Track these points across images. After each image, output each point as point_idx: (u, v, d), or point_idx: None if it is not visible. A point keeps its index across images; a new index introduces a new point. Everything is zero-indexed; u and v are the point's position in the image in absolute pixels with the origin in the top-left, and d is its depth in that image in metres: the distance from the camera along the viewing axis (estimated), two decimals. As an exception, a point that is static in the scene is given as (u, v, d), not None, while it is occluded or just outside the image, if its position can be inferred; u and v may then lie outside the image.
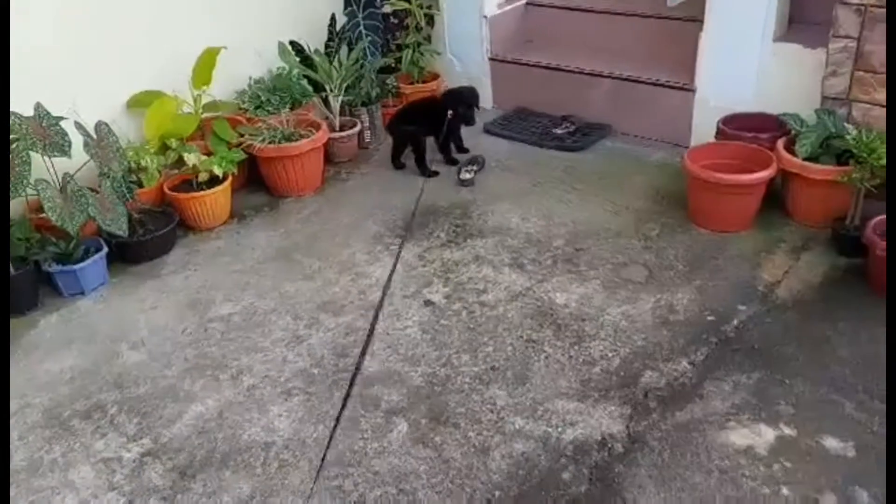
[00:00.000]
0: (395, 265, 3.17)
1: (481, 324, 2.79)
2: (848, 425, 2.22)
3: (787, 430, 2.22)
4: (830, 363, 2.46)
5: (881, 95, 3.13)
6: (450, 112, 3.93)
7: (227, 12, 4.00)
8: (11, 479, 2.24)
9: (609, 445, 2.22)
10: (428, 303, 2.94)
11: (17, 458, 2.32)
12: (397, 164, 4.07)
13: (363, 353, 2.66)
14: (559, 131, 4.22)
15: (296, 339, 2.78)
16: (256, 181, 3.92)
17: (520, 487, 2.10)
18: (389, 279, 3.08)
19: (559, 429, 2.29)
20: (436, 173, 3.93)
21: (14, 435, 2.41)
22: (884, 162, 2.82)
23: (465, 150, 4.12)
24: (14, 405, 2.54)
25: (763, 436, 2.20)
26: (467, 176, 3.84)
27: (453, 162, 4.01)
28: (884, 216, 2.78)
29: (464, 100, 3.97)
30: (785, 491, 2.03)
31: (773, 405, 2.31)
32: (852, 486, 2.02)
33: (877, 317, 2.63)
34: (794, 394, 2.35)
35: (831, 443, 2.16)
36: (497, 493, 2.09)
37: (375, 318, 2.84)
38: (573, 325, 2.75)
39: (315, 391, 2.52)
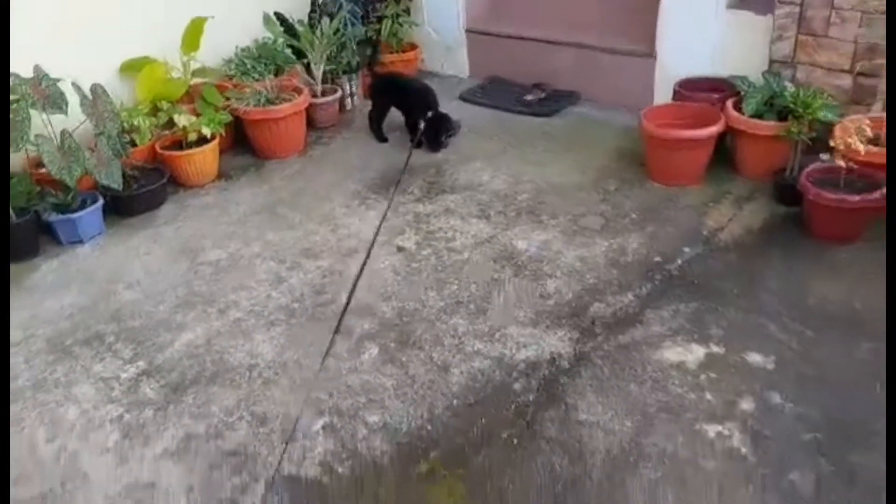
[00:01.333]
0: (384, 215, 3.40)
1: (448, 266, 3.04)
2: (771, 344, 2.48)
3: (716, 349, 2.48)
4: (761, 293, 2.72)
5: (821, 57, 3.38)
6: (430, 113, 4.01)
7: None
8: (18, 396, 2.48)
9: (557, 363, 2.48)
10: (400, 248, 3.18)
11: (23, 378, 2.57)
12: (379, 134, 4.21)
13: (353, 289, 2.90)
14: (530, 98, 4.47)
15: (278, 280, 3.03)
16: (242, 144, 4.16)
17: (476, 396, 2.36)
18: (378, 229, 3.31)
19: (513, 350, 2.55)
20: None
21: (20, 359, 2.66)
22: (819, 115, 3.08)
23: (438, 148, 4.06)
24: (18, 335, 2.78)
25: (694, 353, 2.47)
26: (440, 138, 4.07)
27: (418, 144, 4.05)
28: (817, 164, 3.04)
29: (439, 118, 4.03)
30: (708, 396, 2.29)
31: (705, 329, 2.57)
32: (768, 392, 2.29)
33: (807, 256, 2.90)
34: (726, 319, 2.61)
35: (754, 358, 2.43)
36: (455, 401, 2.35)
37: (367, 257, 3.09)
38: (532, 266, 3.00)
39: (295, 322, 2.77)
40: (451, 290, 2.88)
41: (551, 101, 4.42)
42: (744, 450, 2.10)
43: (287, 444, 2.22)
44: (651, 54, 4.09)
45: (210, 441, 2.26)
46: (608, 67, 4.30)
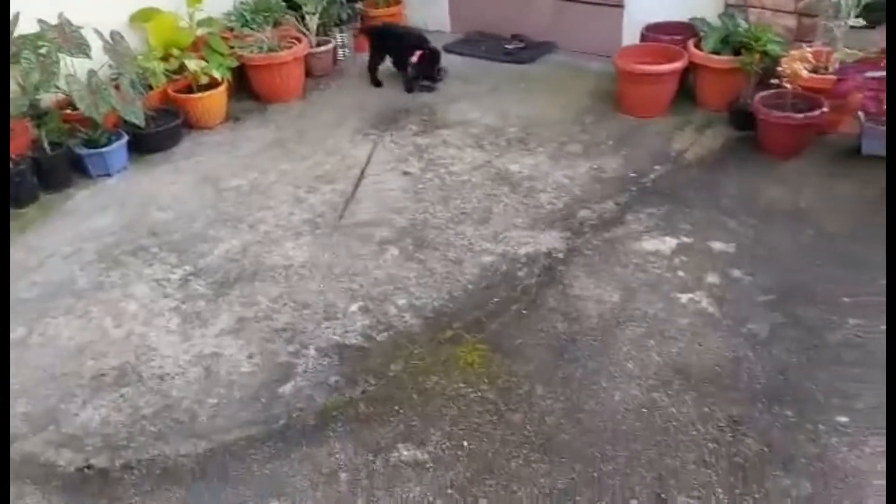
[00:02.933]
0: (372, 150, 3.77)
1: (451, 186, 3.43)
2: (730, 234, 2.94)
3: (686, 239, 2.93)
4: (720, 197, 3.18)
5: (769, 0, 3.84)
6: (417, 53, 4.36)
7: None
8: (81, 296, 2.80)
9: (553, 255, 2.89)
10: (406, 173, 3.56)
11: (82, 282, 2.89)
12: (374, 78, 4.54)
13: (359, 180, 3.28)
14: (510, 47, 4.85)
15: (297, 201, 3.37)
16: (245, 91, 4.45)
17: (487, 282, 2.77)
18: (369, 159, 3.68)
19: (515, 247, 2.96)
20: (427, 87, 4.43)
21: (74, 267, 2.97)
22: (769, 48, 3.54)
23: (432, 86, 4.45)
24: (67, 250, 3.09)
25: (667, 243, 2.92)
26: (426, 83, 4.42)
27: (410, 89, 4.42)
28: (769, 91, 3.50)
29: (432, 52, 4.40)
30: (681, 273, 2.74)
31: (676, 225, 3.02)
32: (730, 269, 2.75)
33: (759, 168, 3.37)
34: (693, 218, 3.07)
35: (717, 245, 2.89)
36: (470, 286, 2.75)
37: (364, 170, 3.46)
38: (525, 183, 3.41)
39: (320, 233, 3.13)
40: (455, 205, 3.27)
41: (530, 50, 4.81)
42: (711, 309, 2.56)
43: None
44: (619, 3, 4.50)
45: (261, 322, 2.63)
46: (581, 18, 4.70)
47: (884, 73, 3.01)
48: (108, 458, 2.14)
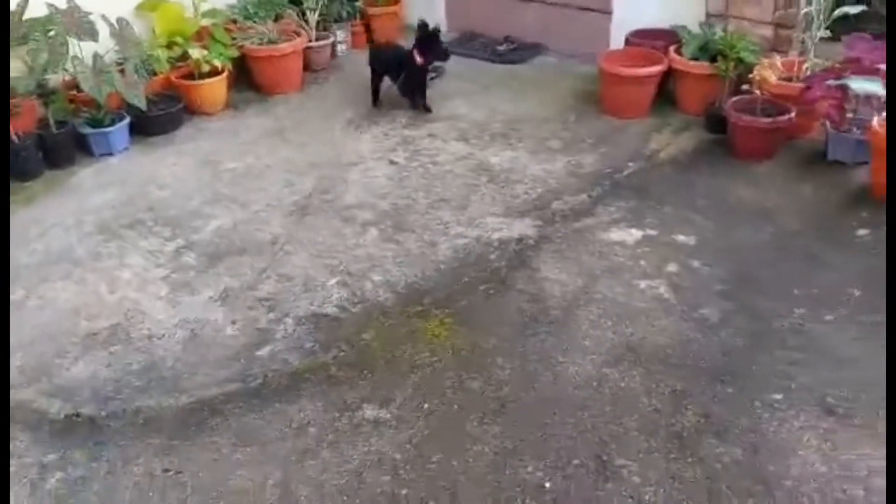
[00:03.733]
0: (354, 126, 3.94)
1: (434, 175, 3.60)
2: (695, 229, 3.11)
3: (651, 232, 3.10)
4: (689, 195, 3.35)
5: (748, 11, 4.01)
6: (418, 57, 4.13)
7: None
8: (78, 264, 2.98)
9: (524, 241, 3.06)
10: (392, 162, 3.73)
11: (80, 250, 3.07)
12: (374, 98, 4.34)
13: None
14: (501, 49, 5.03)
15: (289, 184, 3.56)
16: (246, 82, 4.63)
17: (459, 262, 2.94)
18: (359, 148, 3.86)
19: (489, 232, 3.13)
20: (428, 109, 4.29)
21: (73, 239, 3.15)
22: (743, 55, 3.70)
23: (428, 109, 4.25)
24: (70, 221, 3.28)
25: (633, 234, 3.08)
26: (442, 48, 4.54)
27: (415, 105, 4.26)
28: (741, 96, 3.66)
29: (429, 40, 4.11)
30: (642, 262, 2.91)
31: (643, 219, 3.19)
32: (690, 259, 2.91)
33: (729, 170, 3.53)
34: (660, 212, 3.23)
35: (680, 238, 3.05)
36: (442, 266, 2.93)
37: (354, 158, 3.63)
38: (504, 175, 3.58)
39: (307, 213, 3.30)
40: (436, 192, 3.44)
41: (520, 52, 4.98)
42: (667, 295, 2.72)
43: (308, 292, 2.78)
44: (607, 10, 4.67)
45: (246, 292, 2.81)
46: (570, 22, 4.88)
47: (841, 82, 3.18)
48: (95, 407, 2.32)
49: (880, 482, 1.98)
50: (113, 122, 3.79)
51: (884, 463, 2.02)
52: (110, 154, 3.80)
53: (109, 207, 3.37)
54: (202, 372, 2.44)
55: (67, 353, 2.54)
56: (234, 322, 2.65)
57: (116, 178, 3.64)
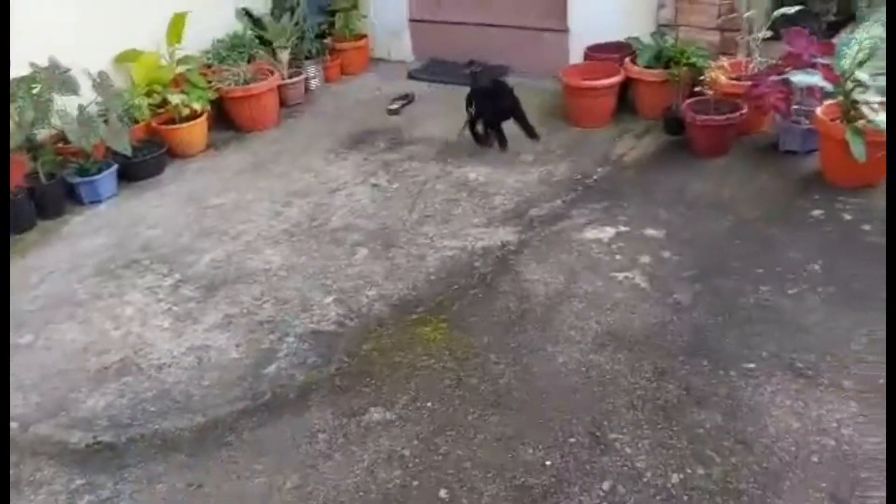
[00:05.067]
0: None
1: (415, 193, 3.78)
2: (662, 223, 3.32)
3: (623, 228, 3.30)
4: (654, 192, 3.57)
5: (695, 19, 4.29)
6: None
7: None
8: (81, 304, 3.10)
9: (506, 247, 3.25)
10: (375, 185, 3.91)
11: (81, 293, 3.19)
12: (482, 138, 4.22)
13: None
14: (467, 72, 5.25)
15: (276, 214, 3.71)
16: (224, 122, 4.79)
17: (447, 272, 3.11)
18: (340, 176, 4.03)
19: (473, 242, 3.31)
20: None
21: (73, 282, 3.27)
22: (693, 60, 3.96)
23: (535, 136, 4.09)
24: (67, 265, 3.40)
25: (607, 232, 3.28)
26: (394, 107, 4.81)
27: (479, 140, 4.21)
28: (695, 98, 3.91)
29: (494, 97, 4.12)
30: (618, 256, 3.11)
31: (615, 217, 3.40)
32: (660, 251, 3.12)
33: (688, 167, 3.77)
34: (629, 210, 3.44)
35: (650, 232, 3.26)
36: (432, 276, 3.09)
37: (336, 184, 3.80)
38: (482, 189, 3.78)
39: (297, 240, 3.46)
40: (420, 210, 3.62)
41: (485, 73, 5.21)
42: (643, 284, 2.91)
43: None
44: (564, 29, 4.94)
45: (245, 317, 2.94)
46: (530, 42, 5.13)
47: (784, 77, 3.44)
48: (114, 434, 2.43)
49: (848, 432, 2.17)
50: (101, 170, 3.93)
51: (850, 416, 2.22)
52: (99, 201, 3.93)
53: (104, 250, 3.49)
54: (213, 393, 2.57)
55: (81, 387, 2.65)
56: (237, 345, 2.78)
57: (107, 222, 3.76)
